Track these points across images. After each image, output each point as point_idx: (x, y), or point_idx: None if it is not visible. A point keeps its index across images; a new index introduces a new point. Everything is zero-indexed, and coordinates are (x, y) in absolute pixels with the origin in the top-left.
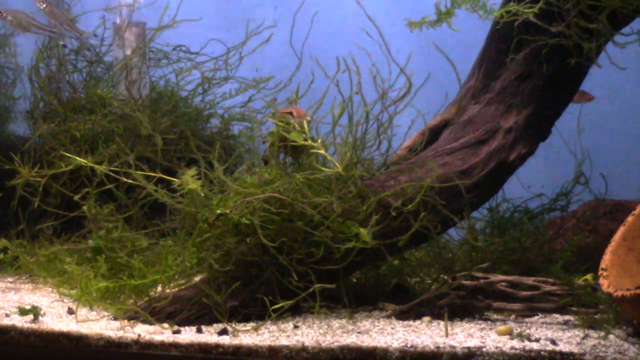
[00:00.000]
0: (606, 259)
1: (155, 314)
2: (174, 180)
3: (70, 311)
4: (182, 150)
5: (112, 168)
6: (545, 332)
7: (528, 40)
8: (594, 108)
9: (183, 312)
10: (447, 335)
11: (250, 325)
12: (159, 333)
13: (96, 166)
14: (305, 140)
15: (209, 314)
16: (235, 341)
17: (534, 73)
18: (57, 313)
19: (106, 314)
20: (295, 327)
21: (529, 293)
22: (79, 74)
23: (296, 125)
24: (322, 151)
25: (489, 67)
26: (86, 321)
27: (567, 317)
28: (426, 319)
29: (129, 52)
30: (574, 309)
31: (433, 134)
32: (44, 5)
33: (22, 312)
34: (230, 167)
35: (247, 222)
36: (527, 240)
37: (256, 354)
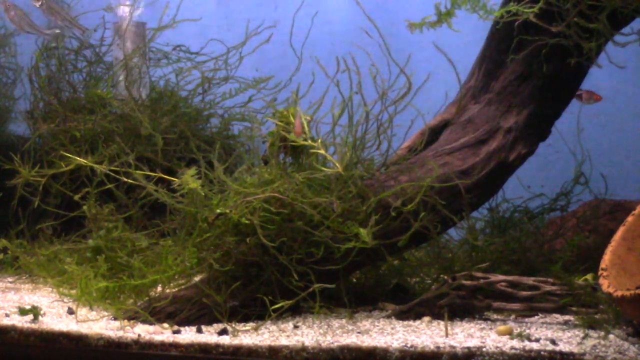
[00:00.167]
0: (606, 259)
1: (155, 314)
2: (174, 180)
3: (70, 311)
4: (182, 150)
5: (112, 168)
6: (545, 332)
7: (528, 40)
8: (594, 108)
9: (183, 312)
10: (447, 335)
11: (250, 325)
12: (159, 333)
13: (96, 166)
14: (305, 140)
15: (209, 314)
16: (235, 341)
17: (534, 73)
18: (57, 313)
19: (106, 314)
20: (295, 327)
21: (529, 293)
22: (79, 74)
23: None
24: (322, 151)
25: (489, 67)
26: (86, 321)
27: (567, 317)
28: (426, 319)
29: (128, 46)
30: (574, 309)
31: (433, 134)
32: (39, 3)
33: (22, 312)
34: (230, 167)
35: (247, 222)
36: (527, 240)
37: (256, 354)
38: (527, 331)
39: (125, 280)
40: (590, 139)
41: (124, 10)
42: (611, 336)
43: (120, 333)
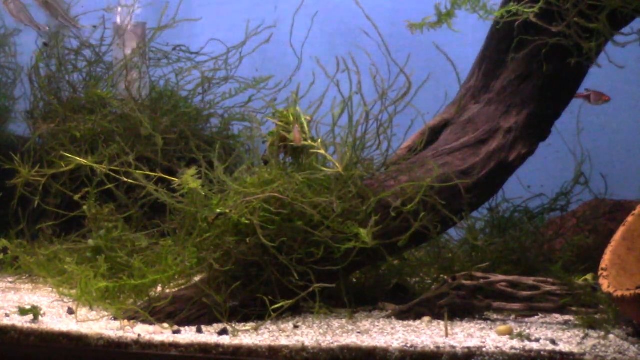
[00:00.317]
0: (606, 259)
1: (155, 314)
2: (174, 180)
3: (70, 311)
4: (182, 150)
5: (112, 168)
6: (545, 332)
7: (528, 40)
8: (594, 108)
9: (183, 312)
10: (447, 335)
11: (250, 325)
12: (159, 333)
13: (96, 166)
14: (305, 140)
15: (209, 314)
16: (235, 341)
17: (534, 73)
18: (57, 313)
19: (106, 314)
20: (295, 327)
21: (529, 293)
22: (79, 74)
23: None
24: (322, 151)
25: (489, 67)
26: (86, 321)
27: (567, 317)
28: (426, 319)
29: (128, 51)
30: (574, 309)
31: (433, 134)
32: None
33: (22, 312)
34: (230, 167)
35: (246, 222)
36: (527, 240)
37: (256, 354)
38: (527, 331)
39: (125, 280)
40: (590, 139)
41: (124, 11)
42: (611, 336)
43: (121, 333)
